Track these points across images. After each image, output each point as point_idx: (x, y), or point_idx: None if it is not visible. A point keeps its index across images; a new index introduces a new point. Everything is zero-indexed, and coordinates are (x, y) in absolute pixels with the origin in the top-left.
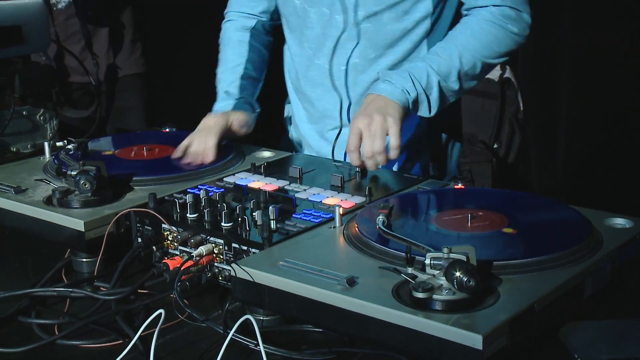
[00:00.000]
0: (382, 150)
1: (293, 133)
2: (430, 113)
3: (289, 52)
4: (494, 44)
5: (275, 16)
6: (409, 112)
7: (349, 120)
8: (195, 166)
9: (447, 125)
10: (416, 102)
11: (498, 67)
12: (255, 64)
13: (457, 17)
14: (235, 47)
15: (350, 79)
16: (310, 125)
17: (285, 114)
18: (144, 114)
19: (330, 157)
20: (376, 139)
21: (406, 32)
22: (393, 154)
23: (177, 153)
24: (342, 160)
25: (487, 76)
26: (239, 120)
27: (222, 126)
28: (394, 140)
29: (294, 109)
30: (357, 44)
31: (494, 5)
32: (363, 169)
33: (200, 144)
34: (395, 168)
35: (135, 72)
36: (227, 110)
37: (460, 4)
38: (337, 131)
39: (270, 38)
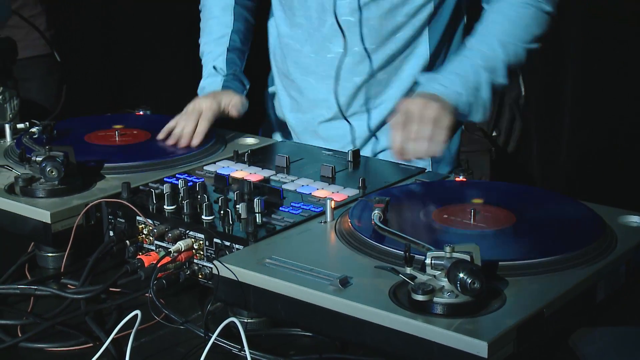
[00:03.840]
0: (430, 138)
1: (277, 118)
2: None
3: (276, 31)
4: (533, 27)
5: None
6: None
7: (342, 113)
8: (182, 149)
9: None
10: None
11: None
12: (242, 33)
13: (459, 5)
14: (220, 16)
15: (348, 68)
16: (295, 114)
17: (268, 97)
18: (47, 108)
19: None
20: (426, 124)
21: (408, 17)
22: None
23: (161, 134)
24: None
25: None
26: (234, 104)
27: (215, 111)
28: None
29: (278, 94)
30: (358, 30)
31: None
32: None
33: (189, 126)
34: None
35: (37, 54)
36: (216, 88)
37: None
38: (329, 124)
39: (254, 3)
